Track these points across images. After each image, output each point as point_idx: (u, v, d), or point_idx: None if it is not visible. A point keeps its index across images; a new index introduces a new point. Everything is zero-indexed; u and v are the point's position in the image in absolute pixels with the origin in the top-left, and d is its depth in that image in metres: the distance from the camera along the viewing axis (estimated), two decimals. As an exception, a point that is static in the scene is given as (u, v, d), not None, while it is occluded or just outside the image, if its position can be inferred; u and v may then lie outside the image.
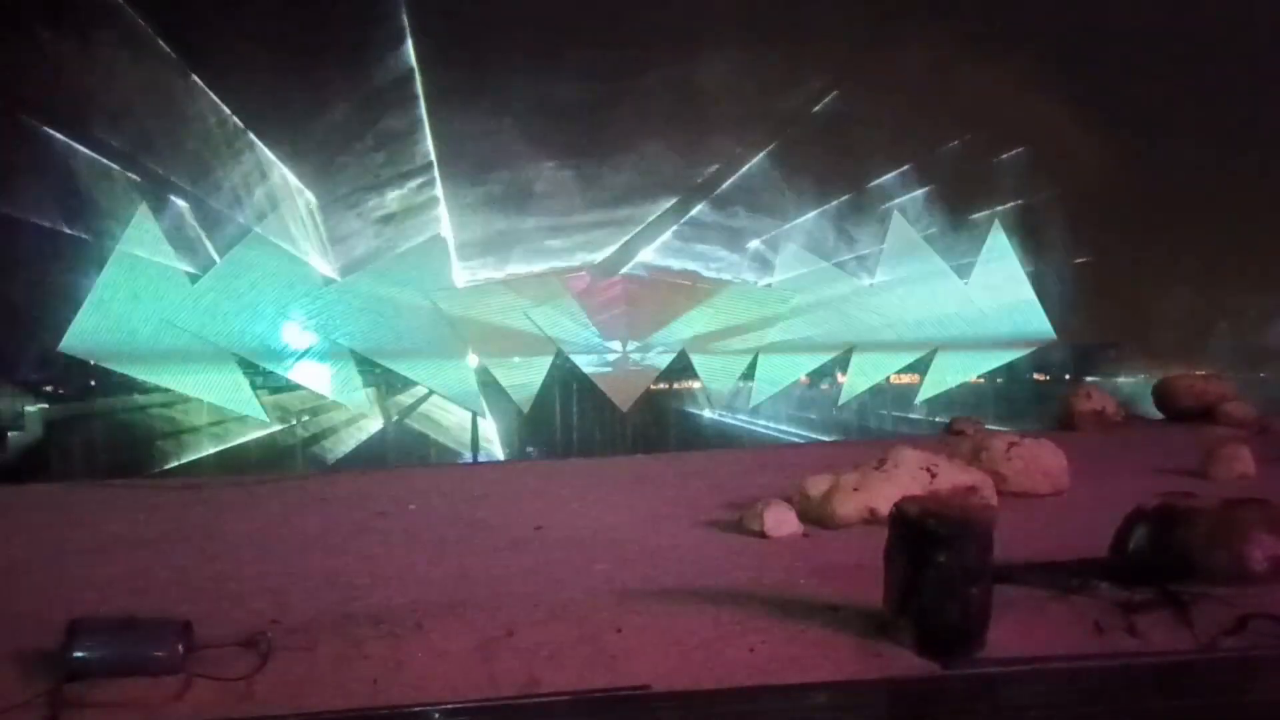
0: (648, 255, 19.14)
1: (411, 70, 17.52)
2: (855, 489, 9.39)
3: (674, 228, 19.44)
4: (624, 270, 18.75)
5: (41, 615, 5.77)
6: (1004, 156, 20.67)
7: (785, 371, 19.77)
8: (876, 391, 20.80)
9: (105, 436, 17.17)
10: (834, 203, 20.25)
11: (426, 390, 18.31)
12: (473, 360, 17.79)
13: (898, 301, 20.12)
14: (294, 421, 17.97)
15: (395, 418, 18.86)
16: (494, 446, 19.09)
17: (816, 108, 19.51)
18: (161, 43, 16.06)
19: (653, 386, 19.05)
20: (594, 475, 13.89)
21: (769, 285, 19.78)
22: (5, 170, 15.23)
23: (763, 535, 8.81)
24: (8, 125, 15.14)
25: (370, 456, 18.34)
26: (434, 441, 19.11)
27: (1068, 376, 23.59)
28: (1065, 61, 22.00)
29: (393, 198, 18.05)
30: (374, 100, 17.51)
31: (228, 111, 16.59)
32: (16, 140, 15.27)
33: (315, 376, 16.73)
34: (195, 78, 16.28)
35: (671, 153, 19.18)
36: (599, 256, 18.72)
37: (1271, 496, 7.15)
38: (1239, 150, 25.17)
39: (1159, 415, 19.62)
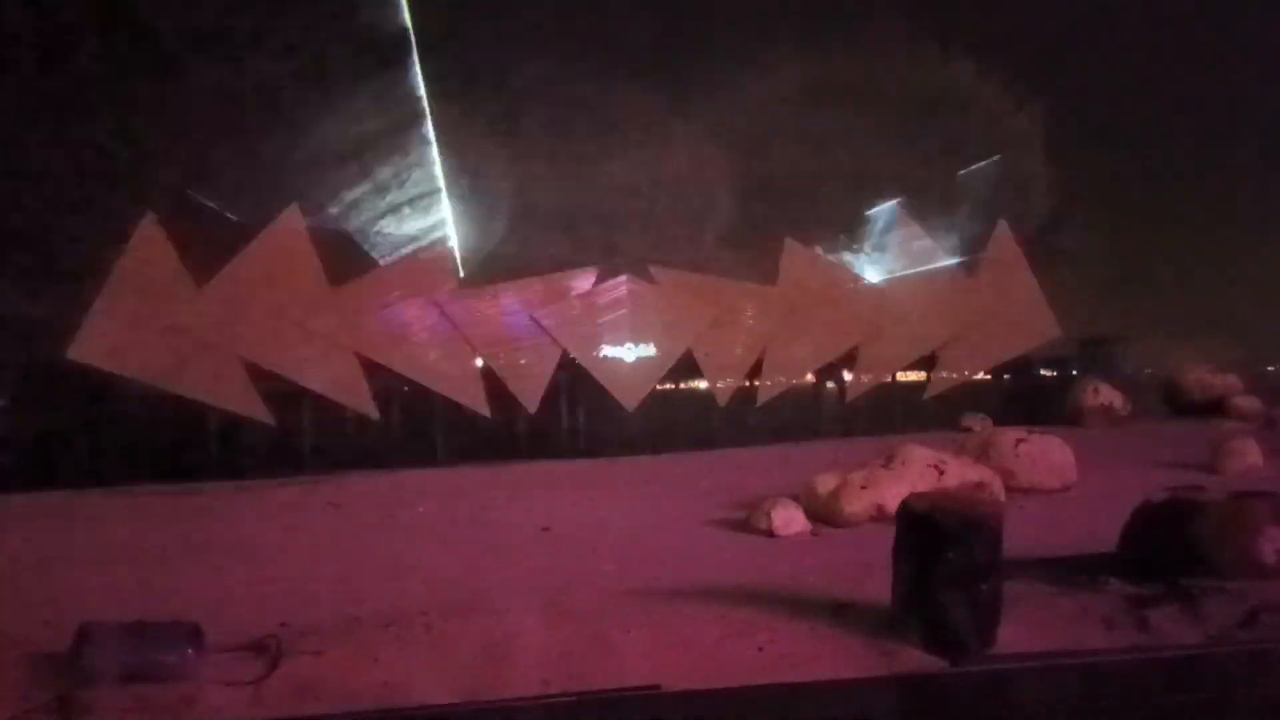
0: (652, 253, 19.15)
1: (415, 69, 17.55)
2: (863, 487, 9.39)
3: (678, 227, 19.45)
4: (629, 269, 18.75)
5: (52, 621, 5.78)
6: (1007, 152, 20.66)
7: (791, 369, 19.77)
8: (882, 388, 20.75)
9: (110, 442, 17.18)
10: (840, 200, 20.24)
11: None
12: (478, 361, 17.81)
13: (903, 298, 20.09)
14: None
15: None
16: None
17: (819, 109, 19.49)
18: (165, 46, 16.09)
19: (659, 385, 19.04)
20: (600, 475, 13.90)
21: (773, 283, 19.74)
22: (10, 175, 15.27)
23: (770, 534, 8.82)
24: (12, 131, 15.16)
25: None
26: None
27: (1074, 372, 23.53)
28: (1070, 55, 22.01)
29: (397, 198, 18.08)
30: (377, 100, 17.53)
31: (232, 114, 16.62)
32: (20, 145, 15.29)
33: (322, 379, 16.76)
34: (200, 80, 16.30)
35: (676, 151, 19.18)
36: (604, 256, 18.74)
37: (1280, 490, 7.13)
38: (1244, 141, 25.10)
39: (1167, 409, 19.58)
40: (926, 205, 20.68)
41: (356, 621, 6.00)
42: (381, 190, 17.96)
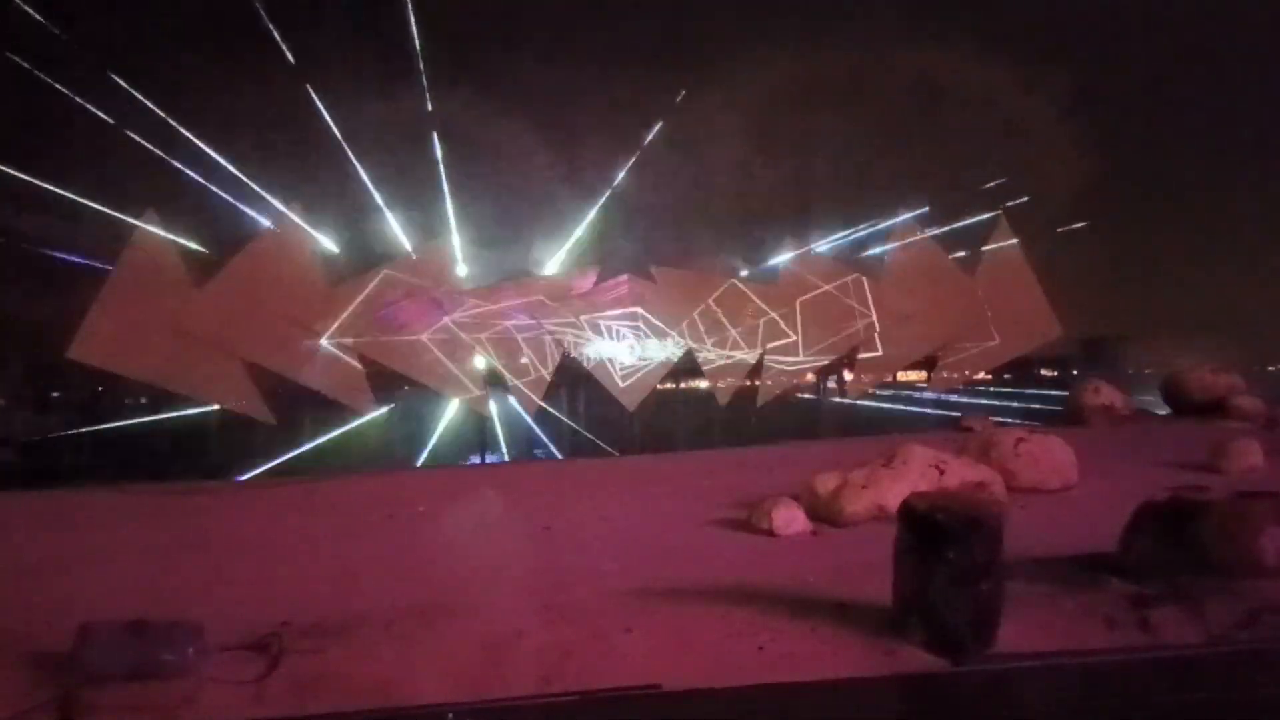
0: (654, 254, 19.17)
1: (417, 68, 17.56)
2: (864, 486, 9.38)
3: (680, 227, 19.49)
4: (630, 270, 18.76)
5: (52, 621, 5.78)
6: (1010, 152, 20.68)
7: (791, 369, 19.77)
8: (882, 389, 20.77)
9: (113, 443, 17.19)
10: (841, 201, 20.29)
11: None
12: (479, 361, 17.81)
13: (904, 297, 20.09)
14: None
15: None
16: (501, 447, 19.11)
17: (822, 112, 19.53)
18: (168, 47, 16.10)
19: (659, 385, 19.05)
20: (602, 475, 13.89)
21: (775, 283, 19.76)
22: (9, 174, 15.26)
23: (771, 533, 8.81)
24: (14, 130, 15.18)
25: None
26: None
27: (1075, 372, 23.53)
28: (1071, 56, 22.02)
29: (399, 198, 18.10)
30: (380, 101, 17.56)
31: (233, 116, 16.65)
32: (23, 145, 15.30)
33: (322, 378, 16.76)
34: (202, 82, 16.33)
35: (679, 153, 19.21)
36: (605, 256, 18.76)
37: (1281, 489, 7.11)
38: (1248, 142, 25.10)
39: (1167, 409, 19.57)
40: (926, 204, 20.68)
41: (357, 620, 6.00)
42: (382, 189, 17.97)
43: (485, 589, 6.97)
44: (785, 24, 20.18)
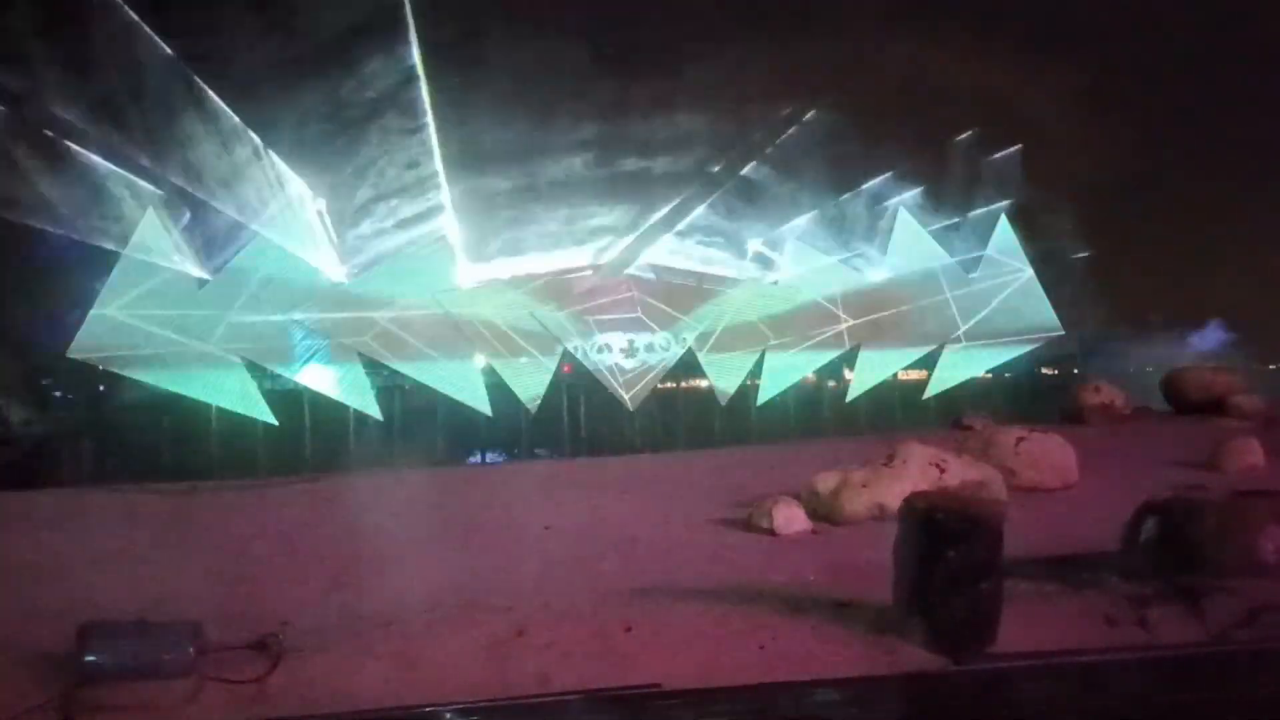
0: (654, 254, 19.15)
1: (415, 69, 17.53)
2: (864, 485, 9.39)
3: (680, 227, 19.45)
4: (630, 269, 18.77)
5: (53, 620, 5.78)
6: (1009, 149, 20.66)
7: (792, 369, 19.78)
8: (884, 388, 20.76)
9: (113, 441, 17.20)
10: (840, 200, 20.24)
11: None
12: (479, 361, 17.82)
13: (904, 297, 20.11)
14: None
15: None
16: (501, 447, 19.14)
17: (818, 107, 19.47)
18: (168, 46, 16.05)
19: (660, 385, 19.08)
20: (602, 474, 13.89)
21: (775, 283, 19.77)
22: (13, 175, 15.25)
23: (772, 533, 8.82)
24: (15, 131, 15.15)
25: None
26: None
27: (1076, 370, 23.55)
28: (1068, 52, 22.00)
29: (398, 199, 18.08)
30: (378, 100, 17.52)
31: (234, 114, 16.61)
32: (25, 146, 15.28)
33: (323, 379, 16.78)
34: (201, 80, 16.28)
35: (678, 152, 19.18)
36: (605, 256, 18.75)
37: (1281, 488, 7.12)
38: (1247, 139, 25.09)
39: (1168, 408, 19.58)
40: (927, 202, 20.67)
41: (358, 620, 6.01)
42: (382, 187, 17.96)
43: (485, 588, 6.96)
44: (788, 13, 20.06)
